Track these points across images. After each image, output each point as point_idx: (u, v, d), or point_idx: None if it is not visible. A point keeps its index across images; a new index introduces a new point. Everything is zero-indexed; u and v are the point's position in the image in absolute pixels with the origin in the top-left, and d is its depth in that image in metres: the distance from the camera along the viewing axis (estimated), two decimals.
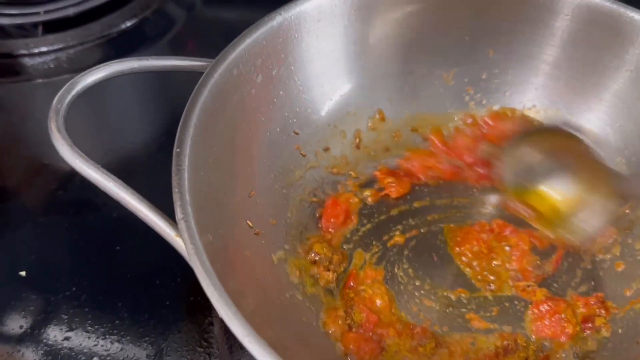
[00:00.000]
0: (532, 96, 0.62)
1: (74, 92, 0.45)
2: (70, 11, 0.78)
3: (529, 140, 0.55)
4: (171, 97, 0.73)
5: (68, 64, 0.77)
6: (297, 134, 0.58)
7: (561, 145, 0.54)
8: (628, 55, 0.55)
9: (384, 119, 0.63)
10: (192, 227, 0.38)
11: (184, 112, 0.44)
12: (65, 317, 0.55)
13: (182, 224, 0.38)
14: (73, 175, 0.65)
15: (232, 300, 0.35)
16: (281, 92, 0.56)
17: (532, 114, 0.62)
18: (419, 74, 0.63)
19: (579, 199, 0.51)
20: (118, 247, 0.60)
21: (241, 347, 0.53)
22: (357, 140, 0.62)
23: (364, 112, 0.62)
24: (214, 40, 0.64)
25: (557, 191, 0.52)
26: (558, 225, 0.52)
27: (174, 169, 0.40)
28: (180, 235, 0.38)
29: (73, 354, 0.52)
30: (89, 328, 0.54)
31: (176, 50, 0.81)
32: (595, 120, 0.59)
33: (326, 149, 0.61)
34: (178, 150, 0.41)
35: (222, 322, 0.53)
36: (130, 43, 0.80)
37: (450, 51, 0.62)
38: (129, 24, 0.81)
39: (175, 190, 0.39)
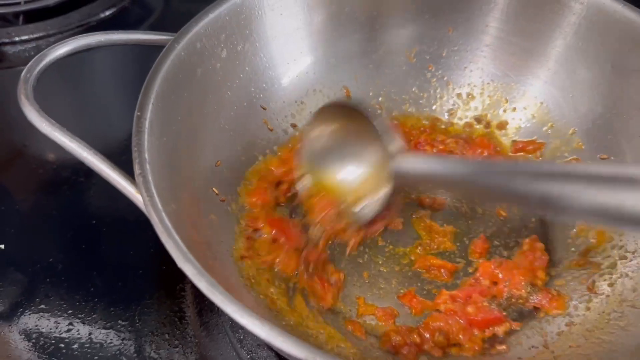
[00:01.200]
0: (489, 71, 0.64)
1: (42, 63, 0.47)
2: (50, 1, 0.80)
3: (318, 122, 0.56)
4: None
5: None
6: (264, 109, 0.61)
7: (346, 124, 0.55)
8: (565, 22, 0.57)
9: (349, 95, 0.65)
10: (149, 181, 0.40)
11: (146, 79, 0.46)
12: (42, 286, 0.57)
13: (139, 179, 0.40)
14: (52, 156, 0.67)
15: (187, 247, 0.38)
16: (247, 68, 0.58)
17: (490, 89, 0.65)
18: (382, 52, 0.65)
19: (359, 185, 0.55)
20: (94, 222, 0.62)
21: (210, 311, 0.55)
22: None
23: (329, 90, 0.65)
24: None
25: (341, 176, 0.56)
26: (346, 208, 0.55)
27: (134, 130, 0.43)
28: (139, 190, 0.40)
29: (50, 321, 0.55)
30: (64, 296, 0.56)
31: None
32: (546, 90, 0.61)
33: (293, 125, 0.63)
34: (139, 113, 0.44)
35: (192, 289, 0.56)
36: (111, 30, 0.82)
37: (411, 29, 0.64)
38: (107, 12, 0.83)
39: (134, 149, 0.41)
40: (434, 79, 0.66)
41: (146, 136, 0.43)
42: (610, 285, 0.49)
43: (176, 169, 0.47)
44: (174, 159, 0.47)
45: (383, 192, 0.52)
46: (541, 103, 0.61)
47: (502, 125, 0.64)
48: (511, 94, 0.64)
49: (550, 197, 0.37)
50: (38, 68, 0.47)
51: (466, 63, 0.65)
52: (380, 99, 0.66)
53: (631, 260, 0.49)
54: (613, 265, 0.50)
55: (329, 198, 0.55)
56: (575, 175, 0.38)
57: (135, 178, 0.40)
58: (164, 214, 0.38)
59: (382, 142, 0.50)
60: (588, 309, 0.48)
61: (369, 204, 0.53)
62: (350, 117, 0.53)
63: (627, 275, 0.49)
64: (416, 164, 0.49)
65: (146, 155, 0.41)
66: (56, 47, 0.49)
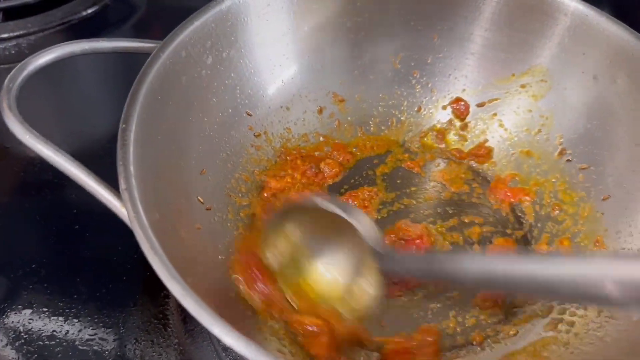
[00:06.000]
0: (473, 78, 0.64)
1: (25, 72, 0.47)
2: None
3: (290, 221, 0.52)
4: (131, 81, 0.75)
5: (29, 50, 0.78)
6: (249, 115, 0.61)
7: (324, 225, 0.50)
8: (549, 32, 0.58)
9: (342, 101, 0.66)
10: (135, 197, 0.40)
11: (131, 91, 0.46)
12: (25, 293, 0.57)
13: (125, 195, 0.40)
14: (34, 159, 0.67)
15: (174, 264, 0.38)
16: (232, 74, 0.58)
17: (468, 95, 0.65)
18: (368, 58, 0.65)
19: (345, 283, 0.51)
20: (77, 227, 0.62)
21: (194, 318, 0.56)
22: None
23: (315, 95, 0.65)
24: (175, 27, 0.66)
25: (323, 276, 0.51)
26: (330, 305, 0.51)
27: (119, 143, 0.42)
28: (124, 205, 0.40)
29: (32, 328, 0.54)
30: (48, 303, 0.56)
31: (138, 36, 0.82)
32: (529, 100, 0.62)
33: (288, 130, 0.63)
34: (124, 126, 0.43)
35: None
36: (92, 29, 0.81)
37: (397, 36, 0.64)
38: (90, 10, 0.82)
39: (119, 163, 0.41)
40: (419, 85, 0.66)
41: (131, 149, 0.42)
42: None
43: (161, 178, 0.47)
44: (159, 169, 0.47)
45: (372, 293, 0.49)
46: (526, 112, 0.62)
47: (483, 132, 0.65)
48: (496, 103, 0.64)
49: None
50: (21, 77, 0.46)
51: (450, 70, 0.65)
52: (364, 105, 0.66)
53: None
54: None
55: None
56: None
57: (121, 193, 0.40)
58: (149, 231, 0.38)
59: (360, 239, 0.48)
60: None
61: (361, 304, 0.50)
62: (317, 216, 0.49)
63: None
64: (402, 263, 0.49)
65: (132, 169, 0.41)
66: (39, 55, 0.48)
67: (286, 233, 0.52)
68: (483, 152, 0.64)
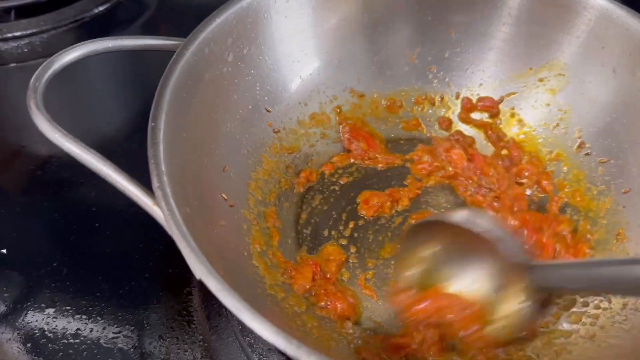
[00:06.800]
0: (491, 73, 0.65)
1: (50, 70, 0.47)
2: None
3: (422, 238, 0.50)
4: (146, 78, 0.75)
5: (42, 48, 0.78)
6: (269, 111, 0.61)
7: (464, 244, 0.48)
8: (574, 29, 0.58)
9: (363, 96, 0.66)
10: (168, 195, 0.40)
11: (158, 89, 0.46)
12: (48, 291, 0.57)
13: (158, 192, 0.40)
14: (51, 157, 0.67)
15: (207, 259, 0.38)
16: (252, 71, 0.58)
17: (486, 90, 0.65)
18: (385, 53, 0.65)
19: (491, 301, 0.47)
20: (97, 224, 0.62)
21: (218, 314, 0.56)
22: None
23: (332, 90, 0.65)
24: (186, 24, 0.66)
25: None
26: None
27: (149, 142, 0.42)
28: (157, 203, 0.40)
29: (55, 327, 0.54)
30: (71, 302, 0.56)
31: (149, 33, 0.82)
32: (549, 95, 0.62)
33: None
34: (153, 124, 0.43)
35: (200, 292, 0.57)
36: (103, 27, 0.81)
37: (414, 31, 0.64)
38: (101, 8, 0.82)
39: (151, 161, 0.41)
40: (436, 80, 0.66)
41: (161, 147, 0.43)
42: None
43: (187, 176, 0.47)
44: (185, 166, 0.47)
45: (520, 308, 0.46)
46: (544, 106, 0.62)
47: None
48: (514, 97, 0.65)
49: None
50: (46, 76, 0.46)
51: (467, 65, 0.65)
52: (383, 101, 0.67)
53: None
54: None
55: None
56: None
57: (154, 191, 0.40)
58: (184, 228, 0.38)
59: (500, 253, 0.45)
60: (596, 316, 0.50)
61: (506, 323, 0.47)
62: (451, 233, 0.48)
63: None
64: (553, 273, 0.45)
65: (163, 167, 0.41)
66: (64, 53, 0.48)
67: (419, 251, 0.50)
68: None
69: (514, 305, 0.46)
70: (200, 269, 0.36)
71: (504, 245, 0.45)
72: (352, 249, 0.57)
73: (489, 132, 0.65)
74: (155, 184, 0.40)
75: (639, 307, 0.47)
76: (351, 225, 0.59)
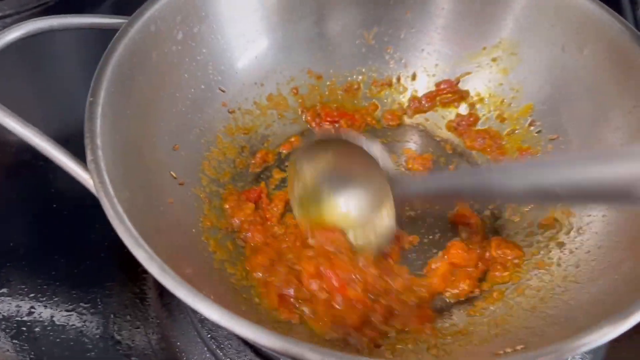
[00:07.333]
0: (445, 52, 0.65)
1: None
2: None
3: (311, 153, 0.55)
4: None
5: None
6: (223, 91, 0.61)
7: (343, 157, 0.53)
8: (515, 4, 0.59)
9: (320, 77, 0.66)
10: (101, 168, 0.40)
11: (99, 65, 0.46)
12: (3, 270, 0.57)
13: (91, 165, 0.40)
14: (10, 141, 0.67)
15: (143, 235, 0.38)
16: (204, 50, 0.58)
17: (441, 70, 0.66)
18: (342, 34, 0.65)
19: (361, 215, 0.54)
20: (55, 205, 0.62)
21: (171, 293, 0.56)
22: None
23: (289, 71, 0.65)
24: None
25: (343, 207, 0.55)
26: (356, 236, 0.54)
27: (86, 116, 0.43)
28: (91, 176, 0.40)
29: (11, 305, 0.55)
30: (26, 281, 0.57)
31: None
32: (498, 72, 0.63)
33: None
34: (91, 99, 0.44)
35: None
36: (69, 11, 0.80)
37: (369, 11, 0.65)
38: None
39: (86, 135, 0.42)
40: (392, 61, 0.67)
41: (98, 122, 0.43)
42: (557, 263, 0.51)
43: (132, 154, 0.48)
44: (130, 144, 0.48)
45: (389, 217, 0.53)
46: (497, 86, 0.63)
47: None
48: (468, 77, 0.65)
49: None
50: None
51: (423, 45, 0.65)
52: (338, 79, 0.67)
53: (575, 237, 0.52)
54: (560, 244, 0.52)
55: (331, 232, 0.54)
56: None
57: (87, 164, 0.41)
58: (115, 200, 0.39)
59: (378, 168, 0.50)
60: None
61: (378, 233, 0.54)
62: (339, 146, 0.52)
63: (571, 251, 0.51)
64: (414, 185, 0.52)
65: (98, 142, 0.42)
66: (6, 32, 0.48)
67: (307, 167, 0.55)
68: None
69: (381, 218, 0.53)
70: (126, 238, 0.36)
71: (381, 157, 0.50)
72: None
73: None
74: (89, 157, 0.41)
75: (578, 279, 0.48)
76: None
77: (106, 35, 0.53)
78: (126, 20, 0.51)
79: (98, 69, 0.46)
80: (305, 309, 0.50)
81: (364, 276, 0.51)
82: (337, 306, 0.50)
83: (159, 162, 0.52)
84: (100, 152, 0.41)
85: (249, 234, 0.55)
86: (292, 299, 0.50)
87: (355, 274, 0.51)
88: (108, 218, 0.38)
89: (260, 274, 0.52)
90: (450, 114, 0.66)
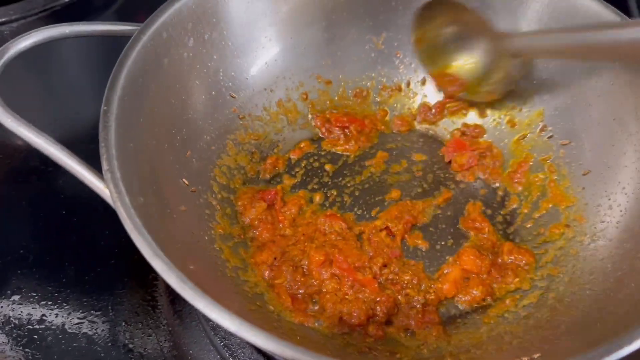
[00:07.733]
0: None
1: (5, 57, 0.47)
2: None
3: (429, 18, 0.62)
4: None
5: (11, 38, 0.77)
6: (233, 97, 0.61)
7: (454, 16, 0.61)
8: (529, 10, 0.59)
9: (329, 82, 0.66)
10: (117, 178, 0.40)
11: (112, 73, 0.46)
12: (14, 278, 0.57)
13: (107, 175, 0.40)
14: (20, 147, 0.67)
15: (159, 243, 0.38)
16: (215, 56, 0.58)
17: None
18: (351, 39, 0.65)
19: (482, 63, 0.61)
20: (64, 212, 0.62)
21: (182, 300, 0.56)
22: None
23: (298, 77, 0.65)
24: None
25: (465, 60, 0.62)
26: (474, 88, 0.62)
27: (100, 125, 0.43)
28: (107, 186, 0.40)
29: (21, 313, 0.55)
30: (36, 288, 0.57)
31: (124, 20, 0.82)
32: None
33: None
34: (105, 108, 0.44)
35: None
36: (75, 16, 0.81)
37: (379, 16, 0.64)
38: None
39: (101, 145, 0.41)
40: (402, 65, 0.67)
41: (113, 131, 0.43)
42: (571, 270, 0.51)
43: (144, 161, 0.47)
44: (142, 152, 0.47)
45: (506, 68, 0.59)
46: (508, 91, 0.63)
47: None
48: None
49: None
50: (1, 62, 0.46)
51: None
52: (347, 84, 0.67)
53: (589, 244, 0.51)
54: (573, 252, 0.52)
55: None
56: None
57: (103, 174, 0.40)
58: (132, 211, 0.39)
59: (490, 28, 0.58)
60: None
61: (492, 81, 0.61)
62: (454, 10, 0.60)
63: (584, 259, 0.51)
64: (526, 40, 0.58)
65: (114, 151, 0.42)
66: (19, 39, 0.48)
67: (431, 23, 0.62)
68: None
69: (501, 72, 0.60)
70: (144, 248, 0.36)
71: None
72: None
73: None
74: (105, 166, 0.40)
75: (592, 287, 0.48)
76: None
77: (113, 41, 0.53)
78: (138, 27, 0.51)
79: (111, 77, 0.46)
80: (315, 307, 0.51)
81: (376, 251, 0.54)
82: (346, 296, 0.51)
83: (171, 170, 0.52)
84: (115, 162, 0.41)
85: (257, 231, 0.56)
86: (302, 296, 0.52)
87: (363, 260, 0.53)
88: (125, 229, 0.38)
89: (267, 273, 0.53)
90: (460, 120, 0.65)
